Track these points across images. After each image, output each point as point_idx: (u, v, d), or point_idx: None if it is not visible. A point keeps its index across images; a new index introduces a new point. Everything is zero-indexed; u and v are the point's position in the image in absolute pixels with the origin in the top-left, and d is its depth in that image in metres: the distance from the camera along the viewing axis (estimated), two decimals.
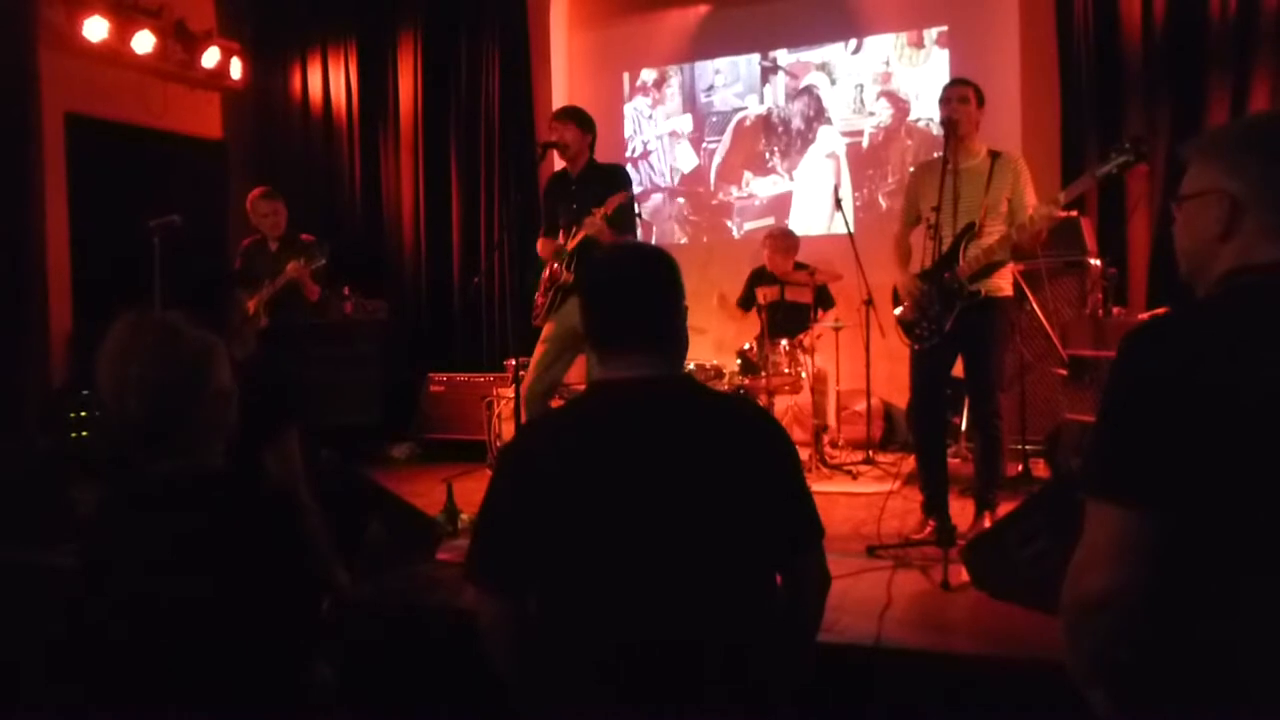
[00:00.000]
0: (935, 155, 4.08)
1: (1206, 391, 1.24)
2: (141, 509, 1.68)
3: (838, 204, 5.64)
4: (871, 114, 6.71)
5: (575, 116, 4.63)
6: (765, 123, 6.98)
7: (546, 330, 4.60)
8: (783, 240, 6.02)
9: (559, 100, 7.08)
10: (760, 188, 7.02)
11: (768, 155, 6.99)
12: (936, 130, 3.95)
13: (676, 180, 7.27)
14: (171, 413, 1.66)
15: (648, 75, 7.30)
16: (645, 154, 7.34)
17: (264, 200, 5.39)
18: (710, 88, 7.14)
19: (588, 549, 1.61)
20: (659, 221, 7.28)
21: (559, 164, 4.78)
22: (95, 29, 6.11)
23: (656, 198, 7.31)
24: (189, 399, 1.67)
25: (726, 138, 7.10)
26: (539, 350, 4.60)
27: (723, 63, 7.08)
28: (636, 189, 5.91)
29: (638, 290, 1.73)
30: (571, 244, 4.48)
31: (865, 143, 6.73)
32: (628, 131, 7.35)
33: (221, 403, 1.72)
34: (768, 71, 6.96)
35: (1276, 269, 1.33)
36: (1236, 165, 1.36)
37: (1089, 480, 1.32)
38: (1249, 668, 1.24)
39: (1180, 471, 1.24)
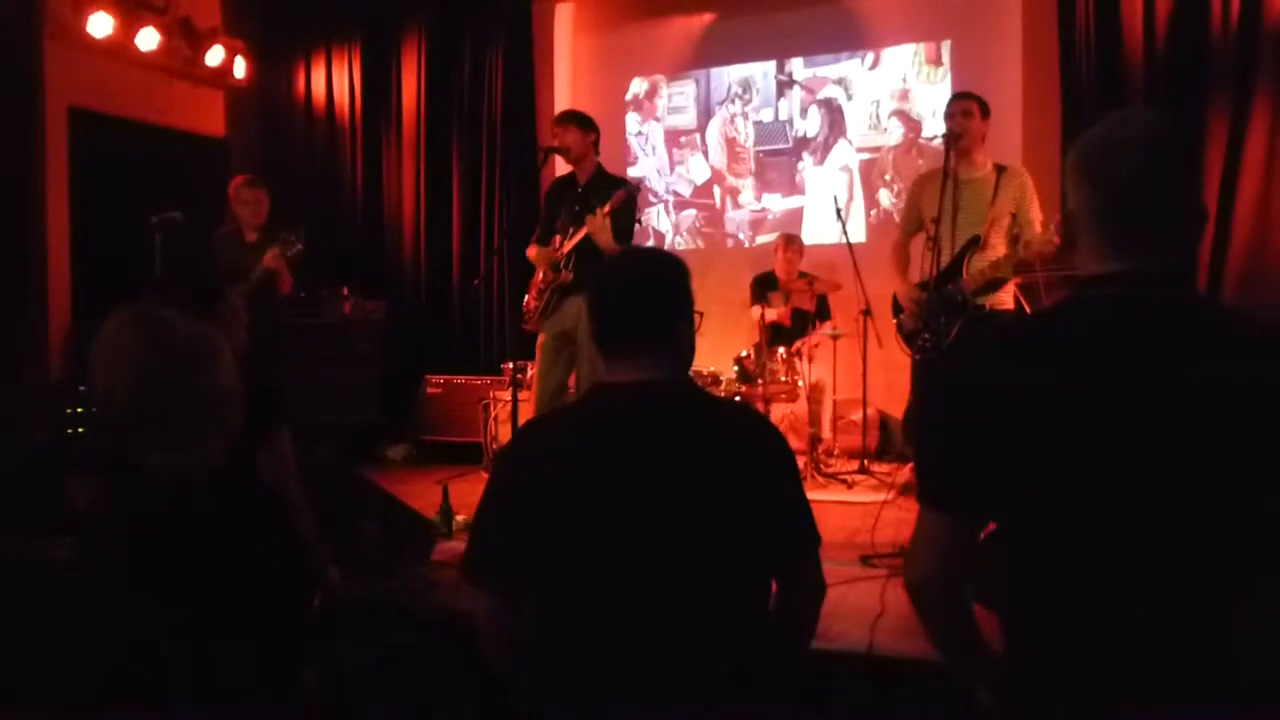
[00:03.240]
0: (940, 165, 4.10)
1: (1005, 405, 1.34)
2: (135, 504, 1.68)
3: (838, 214, 5.67)
4: (885, 130, 6.71)
5: (574, 119, 4.66)
6: (780, 135, 6.98)
7: (542, 338, 4.64)
8: (797, 245, 6.11)
9: (562, 105, 7.09)
10: (773, 200, 7.01)
11: (781, 168, 6.98)
12: None
13: (689, 192, 7.25)
14: (160, 405, 1.65)
15: (660, 84, 7.28)
16: (658, 163, 7.34)
17: (247, 187, 5.27)
18: (724, 99, 7.13)
19: (583, 551, 1.61)
20: (662, 230, 7.28)
21: (563, 170, 4.80)
22: (100, 24, 6.11)
23: (664, 208, 7.30)
24: (180, 392, 1.66)
25: (739, 149, 7.09)
26: (538, 358, 4.68)
27: (737, 74, 7.07)
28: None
29: (643, 293, 1.74)
30: (569, 244, 4.50)
31: (879, 158, 6.73)
32: (638, 142, 7.34)
33: (221, 400, 1.72)
34: (783, 85, 6.96)
35: (1092, 285, 1.39)
36: (1070, 182, 1.43)
37: (917, 484, 1.50)
38: (1083, 661, 1.30)
39: (983, 480, 1.36)
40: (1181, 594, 1.26)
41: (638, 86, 7.34)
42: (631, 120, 7.35)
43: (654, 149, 7.32)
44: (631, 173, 7.14)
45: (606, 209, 4.34)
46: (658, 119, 7.29)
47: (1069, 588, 1.32)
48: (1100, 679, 1.28)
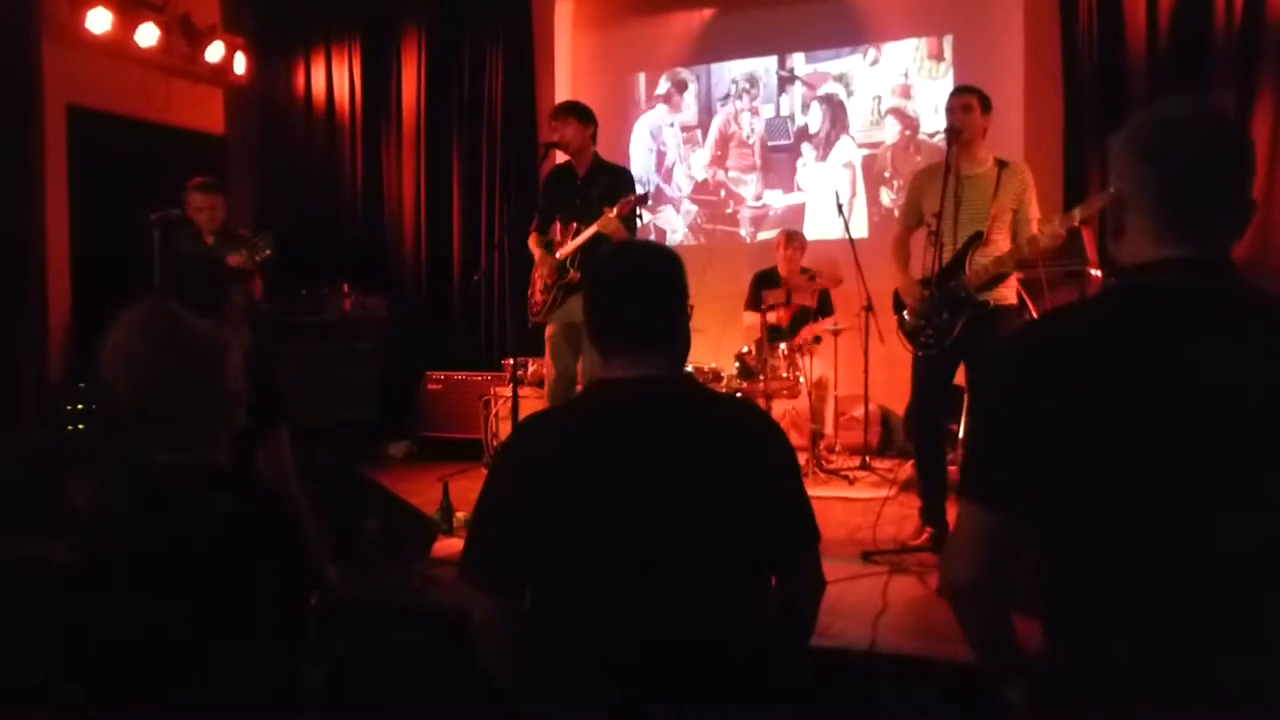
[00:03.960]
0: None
1: (1050, 397, 1.30)
2: (139, 501, 1.68)
3: (840, 209, 5.66)
4: (886, 127, 6.68)
5: (573, 111, 4.65)
6: (782, 131, 6.96)
7: (550, 330, 4.65)
8: (799, 242, 6.07)
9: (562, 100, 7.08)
10: (774, 196, 6.99)
11: (783, 164, 6.95)
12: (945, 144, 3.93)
13: (690, 188, 7.23)
14: (171, 402, 1.66)
15: (663, 82, 7.25)
16: (660, 160, 7.31)
17: (199, 193, 5.01)
18: (727, 95, 7.10)
19: (583, 548, 1.60)
20: (672, 228, 7.26)
21: (561, 160, 4.79)
22: (99, 21, 6.09)
23: (668, 206, 7.27)
24: (192, 390, 1.67)
25: (741, 145, 7.07)
26: (548, 351, 4.71)
27: (739, 70, 7.05)
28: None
29: (640, 288, 1.72)
30: (574, 241, 4.50)
31: (880, 154, 6.71)
32: (643, 139, 7.31)
33: (229, 400, 1.73)
34: (784, 81, 6.94)
35: (1142, 271, 1.35)
36: (1119, 164, 1.39)
37: (959, 480, 1.45)
38: (1122, 661, 1.27)
39: (1025, 475, 1.32)
40: (1231, 594, 1.22)
41: (645, 85, 7.30)
42: (661, 113, 7.29)
43: (668, 144, 7.30)
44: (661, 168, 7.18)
45: (614, 213, 4.34)
46: (667, 117, 7.27)
47: (1114, 584, 1.28)
48: (1140, 678, 1.25)
